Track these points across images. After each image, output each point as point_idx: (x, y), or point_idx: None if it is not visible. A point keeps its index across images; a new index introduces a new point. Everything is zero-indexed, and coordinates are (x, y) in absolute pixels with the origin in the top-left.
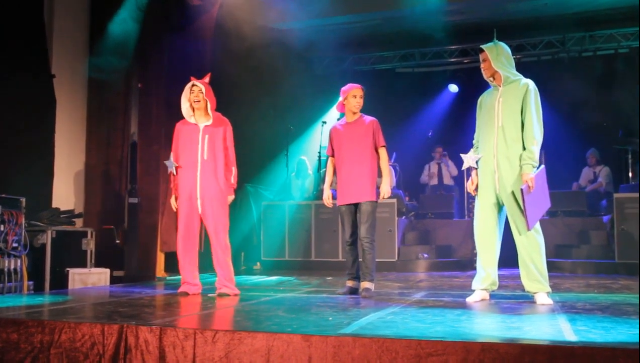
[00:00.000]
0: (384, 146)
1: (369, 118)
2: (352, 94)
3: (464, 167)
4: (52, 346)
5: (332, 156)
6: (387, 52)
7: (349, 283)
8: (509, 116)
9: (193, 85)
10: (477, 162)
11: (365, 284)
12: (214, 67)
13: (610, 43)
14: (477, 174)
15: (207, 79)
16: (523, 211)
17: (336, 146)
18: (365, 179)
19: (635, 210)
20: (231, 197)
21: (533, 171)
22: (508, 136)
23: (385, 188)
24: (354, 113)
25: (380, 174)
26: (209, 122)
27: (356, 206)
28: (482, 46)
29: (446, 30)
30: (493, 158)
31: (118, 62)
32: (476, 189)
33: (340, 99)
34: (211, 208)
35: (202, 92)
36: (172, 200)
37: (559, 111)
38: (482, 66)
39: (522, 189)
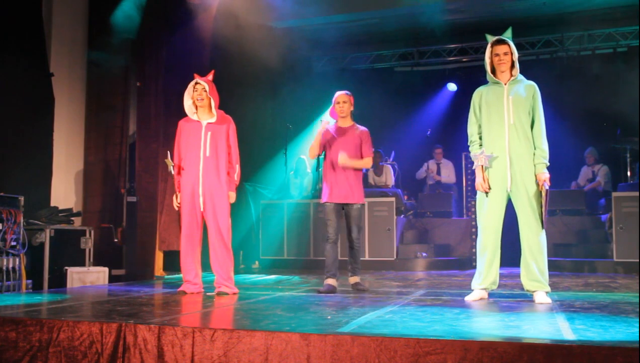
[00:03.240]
0: (369, 156)
1: (361, 128)
2: (337, 101)
3: (475, 166)
4: (51, 345)
5: (322, 149)
6: (385, 50)
7: (330, 282)
8: (521, 113)
9: (196, 83)
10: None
11: (355, 278)
12: (212, 65)
13: (609, 42)
14: (485, 171)
15: (210, 76)
16: (543, 211)
17: (327, 147)
18: (353, 180)
19: (634, 209)
20: (233, 195)
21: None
22: (521, 133)
23: (346, 159)
24: (344, 118)
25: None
26: (213, 120)
27: (344, 206)
28: (507, 39)
29: (445, 29)
30: (505, 155)
31: (117, 61)
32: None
33: (332, 105)
34: (213, 206)
35: (205, 90)
36: (174, 199)
37: (558, 110)
38: (502, 58)
39: (547, 190)
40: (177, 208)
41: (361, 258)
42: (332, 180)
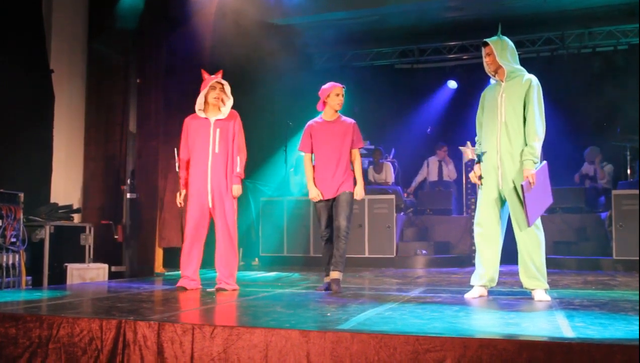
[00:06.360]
0: (356, 148)
1: (349, 119)
2: (335, 93)
3: (465, 160)
4: (51, 341)
5: (311, 152)
6: (386, 48)
7: (328, 279)
8: (512, 111)
9: (218, 82)
10: (478, 155)
11: (335, 274)
12: (213, 62)
13: (610, 40)
14: (479, 166)
15: (219, 75)
16: (523, 207)
17: (315, 143)
18: (342, 174)
19: (634, 207)
20: (237, 187)
21: (534, 167)
22: (511, 132)
23: (360, 191)
24: (335, 112)
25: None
26: (221, 117)
27: (333, 200)
28: (486, 40)
29: (445, 26)
30: (496, 154)
31: (117, 58)
32: (480, 178)
33: (322, 97)
34: (222, 202)
35: (223, 90)
36: (178, 196)
37: (558, 108)
38: (485, 60)
39: (522, 186)
40: (180, 205)
41: (360, 255)
42: (320, 177)
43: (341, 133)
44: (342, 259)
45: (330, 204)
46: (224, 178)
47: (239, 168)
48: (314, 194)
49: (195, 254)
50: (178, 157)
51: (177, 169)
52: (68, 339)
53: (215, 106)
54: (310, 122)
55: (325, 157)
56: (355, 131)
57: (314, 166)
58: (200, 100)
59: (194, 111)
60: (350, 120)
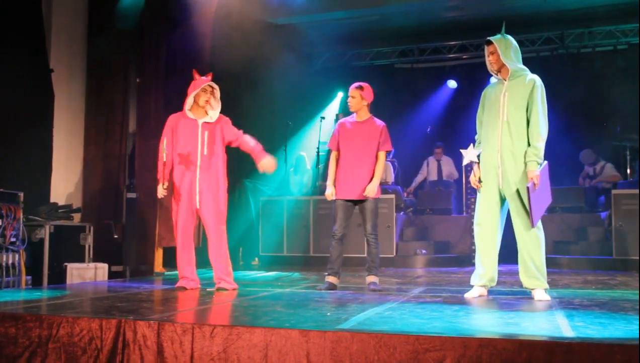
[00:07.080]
0: (383, 151)
1: (379, 122)
2: (348, 95)
3: (465, 163)
4: (50, 341)
5: (337, 150)
6: (386, 47)
7: (331, 279)
8: (515, 111)
9: (209, 85)
10: (478, 156)
11: (371, 278)
12: (212, 62)
13: (610, 39)
14: (479, 168)
15: (210, 77)
16: (528, 209)
17: (342, 141)
18: (365, 177)
19: (634, 207)
20: (269, 159)
21: (538, 168)
22: (513, 131)
23: (371, 188)
24: (356, 112)
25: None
26: (209, 120)
27: (355, 202)
28: (490, 38)
29: (445, 26)
30: (497, 153)
31: (117, 57)
32: (479, 181)
33: None
34: (210, 202)
35: (213, 94)
36: (160, 187)
37: (557, 108)
38: (489, 58)
39: (528, 187)
40: (162, 196)
41: (360, 255)
42: (342, 176)
43: (367, 135)
44: (374, 264)
45: (350, 207)
46: (213, 179)
47: (255, 142)
48: (327, 193)
49: (188, 254)
50: (166, 151)
51: (164, 160)
52: (68, 339)
53: (202, 109)
54: (342, 120)
55: (349, 157)
56: (383, 133)
57: (338, 165)
58: (190, 100)
59: None
60: (380, 122)
